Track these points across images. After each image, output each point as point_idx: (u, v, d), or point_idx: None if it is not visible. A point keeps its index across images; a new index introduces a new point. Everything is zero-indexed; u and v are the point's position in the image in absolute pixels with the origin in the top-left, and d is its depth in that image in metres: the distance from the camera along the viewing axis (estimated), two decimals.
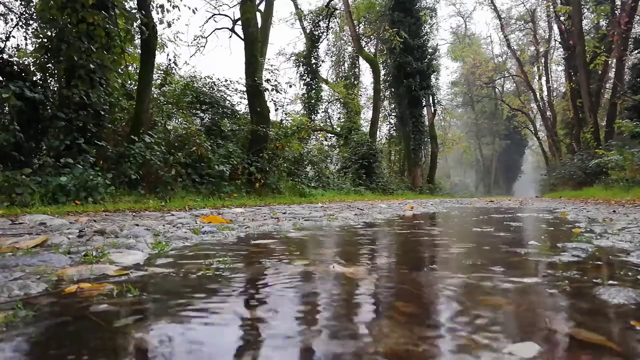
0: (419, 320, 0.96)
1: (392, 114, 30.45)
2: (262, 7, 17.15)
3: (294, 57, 28.19)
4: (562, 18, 25.87)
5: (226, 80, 14.80)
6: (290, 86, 19.54)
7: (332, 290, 1.26)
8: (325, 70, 32.42)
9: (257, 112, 12.65)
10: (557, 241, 2.36)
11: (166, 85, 13.59)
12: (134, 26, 9.48)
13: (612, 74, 24.32)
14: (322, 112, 29.35)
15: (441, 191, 30.75)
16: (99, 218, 4.33)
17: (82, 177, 6.53)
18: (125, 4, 9.29)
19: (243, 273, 1.51)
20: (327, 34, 29.46)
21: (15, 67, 7.82)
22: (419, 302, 1.13)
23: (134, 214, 5.23)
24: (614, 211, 5.62)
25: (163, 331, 0.88)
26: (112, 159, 8.21)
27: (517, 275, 1.43)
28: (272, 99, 15.18)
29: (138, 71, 10.72)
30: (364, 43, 29.04)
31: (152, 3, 9.84)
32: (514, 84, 45.72)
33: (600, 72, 23.05)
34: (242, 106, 15.30)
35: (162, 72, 13.92)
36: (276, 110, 19.32)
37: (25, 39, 9.34)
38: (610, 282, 1.31)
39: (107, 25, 8.06)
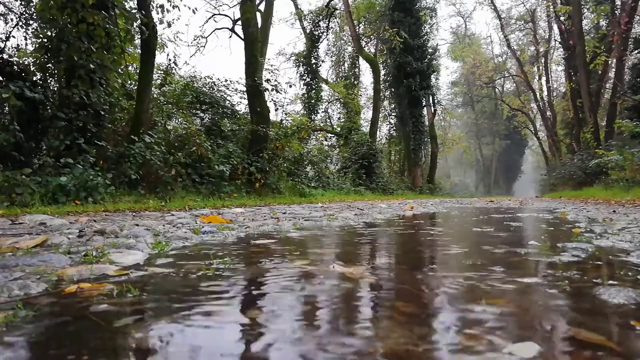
0: (419, 320, 0.96)
1: (392, 114, 30.45)
2: (262, 7, 17.16)
3: (294, 57, 28.21)
4: (562, 18, 25.88)
5: (226, 80, 14.82)
6: (290, 86, 19.56)
7: (332, 290, 1.26)
8: (325, 70, 32.48)
9: (257, 112, 12.65)
10: (557, 241, 2.36)
11: (166, 85, 13.59)
12: (134, 26, 9.48)
13: (612, 74, 24.33)
14: (322, 112, 29.39)
15: (441, 191, 30.75)
16: (99, 218, 4.33)
17: (82, 177, 6.53)
18: (125, 4, 9.29)
19: (243, 273, 1.51)
20: (327, 34, 29.51)
21: (15, 67, 7.82)
22: (419, 302, 1.13)
23: (134, 214, 5.23)
24: (614, 211, 5.62)
25: (163, 331, 0.88)
26: (112, 159, 8.21)
27: (517, 275, 1.43)
28: (272, 99, 15.21)
29: (138, 71, 10.72)
30: (364, 43, 29.04)
31: (152, 3, 9.84)
32: (514, 84, 45.72)
33: (600, 72, 23.05)
34: (242, 106, 15.32)
35: (162, 72, 13.92)
36: (276, 110, 19.34)
37: (25, 39, 9.36)
38: (610, 282, 1.31)
39: (107, 25, 8.06)
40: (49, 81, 8.36)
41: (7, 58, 7.96)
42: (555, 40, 33.91)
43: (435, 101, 30.73)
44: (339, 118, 29.57)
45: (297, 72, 27.63)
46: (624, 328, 0.90)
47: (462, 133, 50.95)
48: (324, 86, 28.97)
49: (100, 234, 2.58)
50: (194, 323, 0.94)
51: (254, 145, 12.25)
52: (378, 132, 28.69)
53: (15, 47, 9.17)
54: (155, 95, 12.07)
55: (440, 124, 41.44)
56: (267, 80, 14.14)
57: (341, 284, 1.34)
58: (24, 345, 0.82)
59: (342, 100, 27.32)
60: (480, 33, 61.35)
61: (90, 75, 7.78)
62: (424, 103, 28.50)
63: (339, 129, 26.78)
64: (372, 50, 29.90)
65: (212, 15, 21.63)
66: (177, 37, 21.22)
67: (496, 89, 48.17)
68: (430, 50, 28.71)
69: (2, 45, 8.48)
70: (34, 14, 8.84)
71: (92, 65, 7.75)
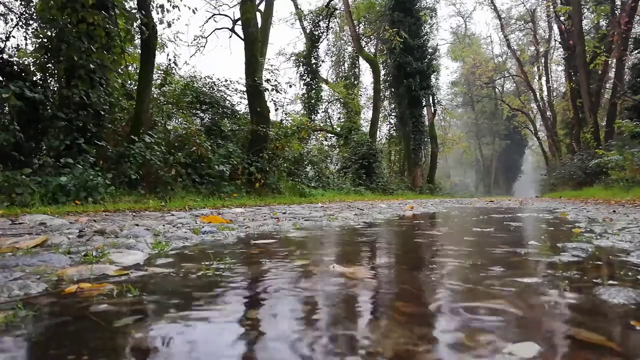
0: (419, 320, 0.96)
1: (392, 114, 30.45)
2: (262, 7, 17.16)
3: (294, 57, 28.21)
4: (562, 18, 25.88)
5: (226, 80, 14.82)
6: (290, 86, 19.57)
7: (332, 290, 1.26)
8: (325, 70, 32.48)
9: (257, 112, 12.65)
10: (557, 241, 2.36)
11: (166, 85, 13.59)
12: (134, 26, 9.48)
13: (612, 74, 24.33)
14: (322, 112, 29.40)
15: (441, 191, 30.75)
16: (99, 218, 4.33)
17: (82, 177, 6.53)
18: (125, 4, 9.29)
19: (243, 273, 1.51)
20: (327, 34, 29.51)
21: (15, 67, 7.82)
22: (419, 302, 1.13)
23: (134, 214, 5.23)
24: (614, 211, 5.62)
25: (163, 331, 0.88)
26: (112, 159, 8.22)
27: (517, 275, 1.43)
28: (272, 99, 15.21)
29: (138, 71, 10.73)
30: (364, 43, 29.05)
31: (152, 3, 9.84)
32: (514, 84, 45.72)
33: (600, 72, 23.05)
34: (242, 106, 15.33)
35: (162, 72, 13.92)
36: (276, 110, 19.34)
37: (25, 39, 9.36)
38: (610, 282, 1.31)
39: (107, 25, 8.06)
40: (49, 81, 8.36)
41: (7, 58, 7.96)
42: (555, 40, 33.94)
43: (435, 101, 30.74)
44: (339, 118, 29.59)
45: (297, 72, 27.67)
46: (624, 328, 0.90)
47: (462, 133, 50.95)
48: (324, 86, 28.99)
49: (100, 234, 2.58)
50: (194, 323, 0.94)
51: (254, 145, 12.25)
52: (378, 132, 28.72)
53: (15, 47, 9.18)
54: (155, 95, 12.07)
55: (440, 124, 41.45)
56: (267, 80, 14.15)
57: (341, 284, 1.34)
58: (24, 345, 0.82)
59: (342, 100, 27.33)
60: (480, 33, 61.44)
61: (90, 75, 7.79)
62: (424, 103, 28.50)
63: (339, 129, 26.79)
64: (372, 50, 29.91)
65: (212, 15, 21.66)
66: (177, 37, 21.25)
67: (496, 89, 48.18)
68: (430, 50, 28.71)
69: (2, 45, 8.48)
70: (34, 14, 8.84)
71: (92, 65, 7.75)
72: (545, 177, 33.40)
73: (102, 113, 8.13)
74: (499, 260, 1.76)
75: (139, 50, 10.59)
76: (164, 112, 12.10)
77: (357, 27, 27.06)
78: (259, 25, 14.63)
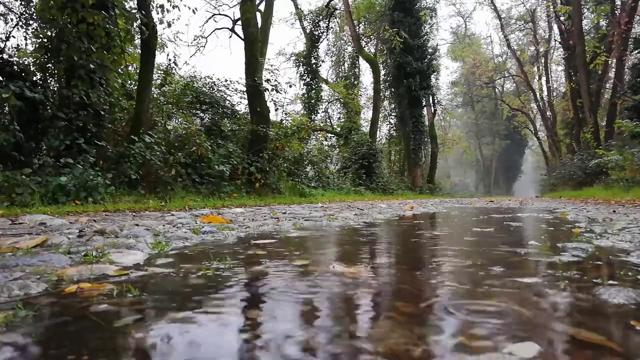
0: (419, 320, 0.96)
1: (392, 114, 30.45)
2: (262, 7, 17.16)
3: (294, 57, 28.21)
4: (562, 18, 25.88)
5: (226, 80, 14.82)
6: (290, 86, 19.56)
7: (332, 290, 1.26)
8: (325, 70, 32.48)
9: (257, 112, 12.65)
10: (557, 241, 2.36)
11: (166, 85, 13.59)
12: (134, 26, 9.48)
13: (612, 74, 24.33)
14: (322, 112, 29.40)
15: (441, 191, 30.76)
16: (99, 218, 4.33)
17: (82, 177, 6.53)
18: (125, 4, 9.29)
19: (243, 273, 1.51)
20: (327, 34, 29.51)
21: (15, 67, 7.82)
22: (419, 302, 1.13)
23: (134, 214, 5.23)
24: (614, 211, 5.62)
25: (163, 331, 0.88)
26: (112, 159, 8.22)
27: (517, 275, 1.43)
28: (272, 99, 15.21)
29: (138, 71, 10.73)
30: (364, 43, 29.04)
31: (152, 3, 9.84)
32: (514, 84, 45.72)
33: (600, 72, 23.05)
34: (242, 106, 15.33)
35: (162, 72, 13.92)
36: (276, 110, 19.34)
37: (25, 39, 9.36)
38: (610, 282, 1.31)
39: (107, 25, 8.06)
40: (49, 81, 8.36)
41: (7, 58, 7.96)
42: (555, 40, 33.94)
43: (435, 101, 30.74)
44: (339, 118, 29.59)
45: (297, 72, 27.67)
46: (624, 328, 0.90)
47: (462, 133, 50.95)
48: (324, 86, 28.98)
49: (100, 234, 2.58)
50: (194, 323, 0.94)
51: (254, 145, 12.25)
52: (378, 132, 28.72)
53: (15, 47, 9.18)
54: (155, 95, 12.07)
55: (440, 124, 41.45)
56: (267, 80, 14.15)
57: (341, 284, 1.34)
58: (24, 345, 0.82)
59: (342, 100, 27.33)
60: (480, 33, 61.44)
61: (90, 75, 7.79)
62: (424, 103, 28.50)
63: (339, 129, 26.79)
64: (372, 50, 29.91)
65: (212, 15, 21.66)
66: (177, 37, 21.25)
67: (496, 89, 48.17)
68: (430, 50, 28.71)
69: (2, 45, 8.48)
70: (34, 14, 8.84)
71: (92, 65, 7.75)
72: (545, 177, 33.40)
73: (102, 113, 8.13)
74: (499, 260, 1.76)
75: (139, 50, 10.59)
76: (164, 112, 12.10)
77: (357, 27, 27.06)
78: (259, 25, 14.63)
